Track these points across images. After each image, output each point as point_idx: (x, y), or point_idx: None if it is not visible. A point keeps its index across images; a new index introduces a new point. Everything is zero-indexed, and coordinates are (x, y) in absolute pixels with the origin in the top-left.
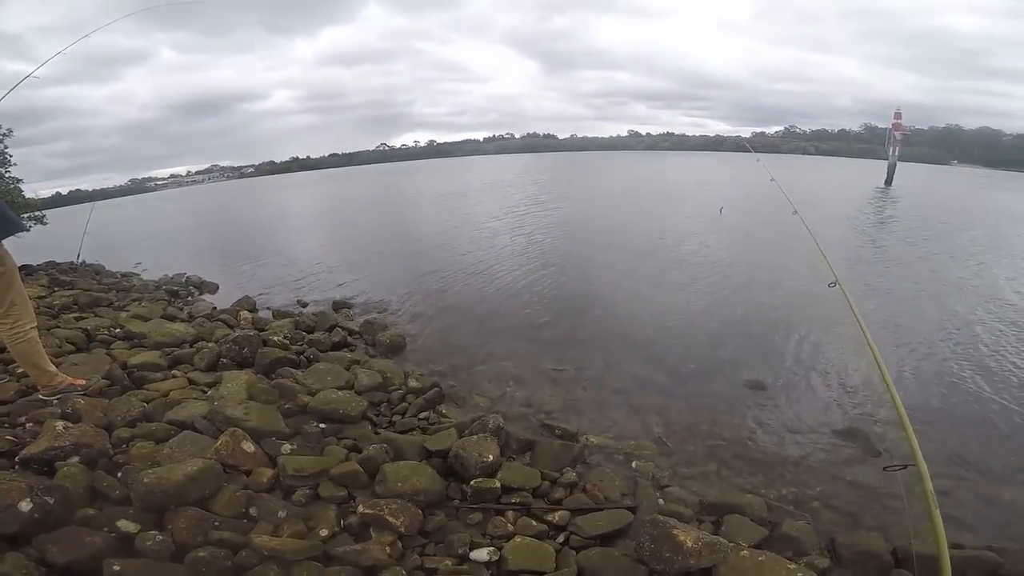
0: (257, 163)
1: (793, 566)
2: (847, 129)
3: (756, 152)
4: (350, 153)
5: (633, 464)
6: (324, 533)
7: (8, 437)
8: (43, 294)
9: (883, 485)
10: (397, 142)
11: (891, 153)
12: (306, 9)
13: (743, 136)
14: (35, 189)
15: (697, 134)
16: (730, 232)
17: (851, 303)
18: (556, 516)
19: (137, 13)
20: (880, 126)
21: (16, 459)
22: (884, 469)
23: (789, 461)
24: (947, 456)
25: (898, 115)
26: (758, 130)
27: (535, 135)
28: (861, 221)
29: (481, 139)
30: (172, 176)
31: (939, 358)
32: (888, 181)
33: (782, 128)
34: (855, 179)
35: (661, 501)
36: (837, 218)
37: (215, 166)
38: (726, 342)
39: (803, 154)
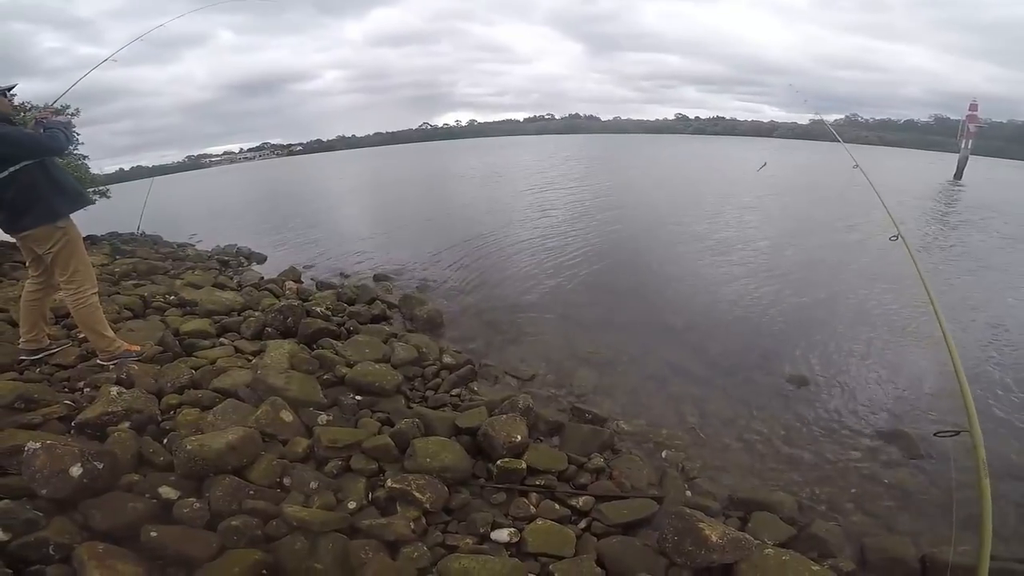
0: (305, 141)
1: (817, 567)
2: (915, 120)
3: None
4: (393, 132)
5: (663, 454)
6: (352, 505)
7: (67, 402)
8: (105, 262)
9: (922, 491)
10: (439, 121)
11: (963, 146)
12: None
13: (800, 123)
14: (100, 166)
15: (750, 119)
16: (783, 219)
17: (913, 258)
18: (580, 501)
19: (203, 9)
20: (952, 118)
21: (72, 423)
22: (935, 435)
23: (826, 460)
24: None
25: (974, 106)
26: (817, 117)
27: (577, 116)
28: (930, 211)
29: (521, 119)
30: (226, 153)
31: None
32: (958, 175)
33: (843, 116)
34: (922, 171)
35: (688, 493)
36: (905, 208)
37: (266, 144)
38: (771, 333)
39: (864, 144)
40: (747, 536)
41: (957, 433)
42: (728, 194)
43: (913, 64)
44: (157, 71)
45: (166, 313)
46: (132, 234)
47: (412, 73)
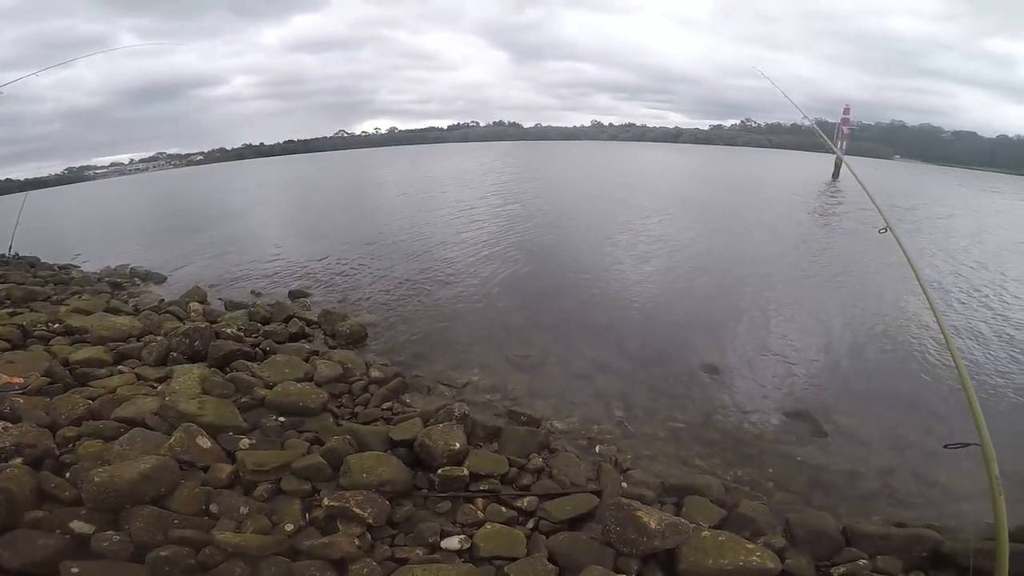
0: (207, 150)
1: (752, 545)
2: (799, 124)
3: (710, 144)
4: (306, 140)
5: (596, 448)
6: (289, 528)
7: None
8: None
9: (833, 463)
10: (357, 129)
11: (839, 147)
12: None
13: (701, 128)
14: None
15: (658, 125)
16: (699, 221)
17: (904, 249)
18: (525, 502)
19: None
20: (830, 121)
21: None
22: (944, 447)
23: (744, 442)
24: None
25: (847, 111)
26: (716, 123)
27: (501, 123)
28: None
29: (445, 127)
30: (113, 164)
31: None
32: (835, 174)
33: (738, 121)
34: (805, 170)
35: (624, 484)
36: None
37: (161, 154)
38: (687, 326)
39: (757, 147)
40: (683, 520)
41: (966, 445)
42: (641, 198)
43: (796, 72)
44: (42, 75)
45: (51, 342)
46: (3, 256)
47: (331, 80)
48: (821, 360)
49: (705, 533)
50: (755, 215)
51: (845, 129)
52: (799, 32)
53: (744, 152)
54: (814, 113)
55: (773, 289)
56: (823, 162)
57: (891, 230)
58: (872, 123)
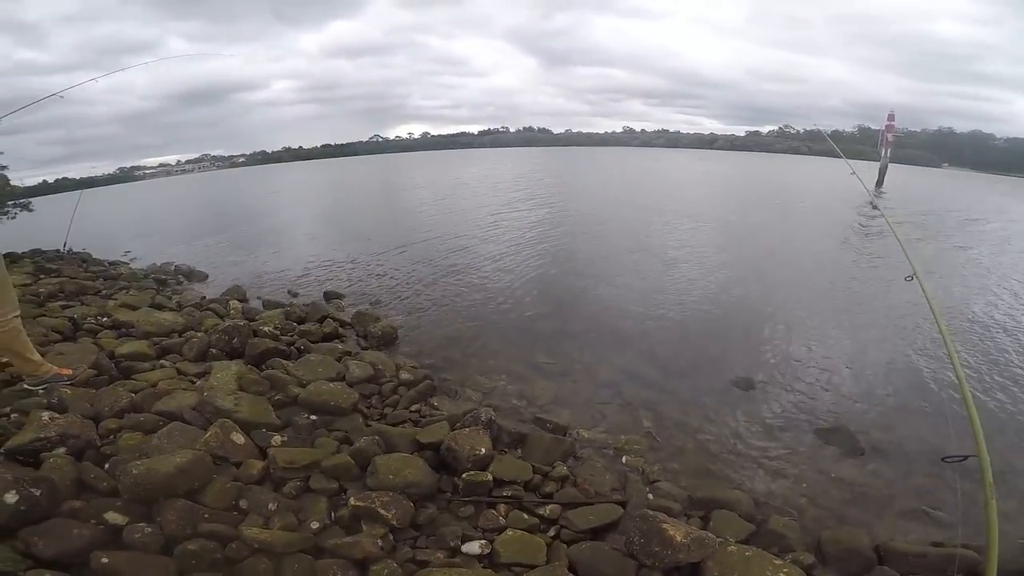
0: (249, 152)
1: (779, 562)
2: (840, 130)
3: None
4: (343, 144)
5: (623, 459)
6: (315, 525)
7: None
8: (28, 282)
9: (870, 481)
10: (391, 134)
11: (883, 155)
12: (316, 1)
13: (737, 134)
14: (23, 178)
15: (691, 131)
16: (733, 230)
17: (925, 292)
18: (547, 510)
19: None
20: (873, 127)
21: (1, 450)
22: (943, 459)
23: (777, 457)
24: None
25: (891, 117)
26: (752, 129)
27: (530, 129)
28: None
29: (475, 132)
30: (161, 165)
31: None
32: (879, 182)
33: (776, 127)
34: (848, 179)
35: (650, 496)
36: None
37: (206, 155)
38: (719, 337)
39: (796, 153)
40: (710, 535)
41: (965, 458)
42: (675, 204)
43: (833, 76)
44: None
45: (99, 335)
46: (58, 251)
47: (365, 85)
48: (860, 376)
49: (732, 548)
50: (792, 224)
51: (890, 136)
52: (833, 36)
53: (782, 159)
54: (855, 119)
55: (809, 302)
56: (867, 170)
57: (917, 278)
58: (918, 130)
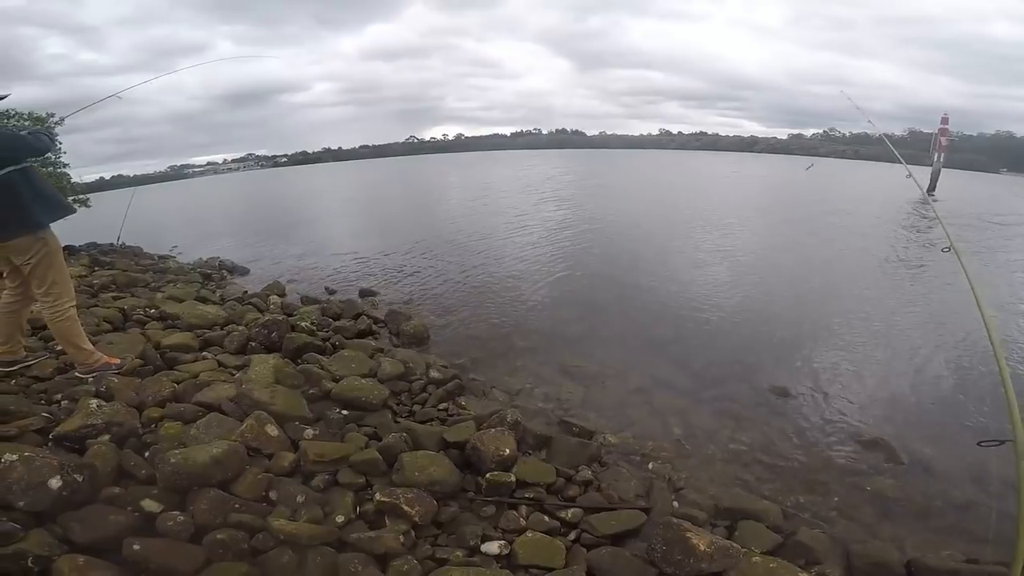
0: (291, 153)
1: (804, 574)
2: (890, 133)
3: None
4: (380, 145)
5: (649, 465)
6: (340, 519)
7: (44, 414)
8: (84, 274)
9: (906, 495)
10: (426, 135)
11: (936, 159)
12: (356, 5)
13: (779, 137)
14: (81, 174)
15: (731, 134)
16: (773, 235)
17: (963, 266)
18: (569, 513)
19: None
20: (925, 131)
21: (50, 436)
22: (978, 444)
23: (810, 468)
24: None
25: (945, 120)
26: (795, 132)
27: (563, 131)
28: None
29: (509, 134)
30: (209, 163)
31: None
32: (931, 188)
33: (821, 131)
34: (898, 184)
35: (675, 504)
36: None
37: (251, 155)
38: (756, 345)
39: (841, 157)
40: (734, 544)
41: (1001, 443)
42: (710, 208)
43: (881, 79)
44: (150, 79)
45: (147, 326)
46: (112, 245)
47: (402, 87)
48: (899, 387)
49: (756, 559)
50: (836, 229)
51: (943, 140)
52: (880, 37)
53: (828, 163)
54: (905, 122)
55: (850, 310)
56: (918, 175)
57: (954, 249)
58: (974, 133)
